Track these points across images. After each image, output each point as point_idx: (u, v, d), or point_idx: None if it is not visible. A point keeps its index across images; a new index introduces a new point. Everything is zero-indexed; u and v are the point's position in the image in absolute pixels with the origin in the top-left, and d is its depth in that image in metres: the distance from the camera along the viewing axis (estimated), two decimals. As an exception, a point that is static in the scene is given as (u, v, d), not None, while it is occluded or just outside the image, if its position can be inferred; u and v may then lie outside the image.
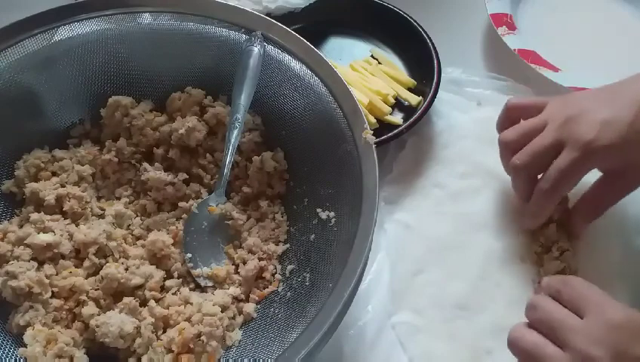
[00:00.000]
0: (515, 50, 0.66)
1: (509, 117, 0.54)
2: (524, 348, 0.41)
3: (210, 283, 0.50)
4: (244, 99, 0.52)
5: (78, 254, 0.49)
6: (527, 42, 0.67)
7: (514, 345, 0.42)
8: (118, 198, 0.54)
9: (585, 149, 0.47)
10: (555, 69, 0.65)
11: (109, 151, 0.54)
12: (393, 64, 0.68)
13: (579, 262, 0.53)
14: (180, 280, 0.50)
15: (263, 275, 0.51)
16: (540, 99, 0.53)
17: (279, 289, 0.50)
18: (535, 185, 0.50)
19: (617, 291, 0.51)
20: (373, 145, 0.46)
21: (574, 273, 0.52)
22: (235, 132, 0.52)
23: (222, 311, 0.46)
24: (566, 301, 0.42)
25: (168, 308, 0.47)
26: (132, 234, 0.51)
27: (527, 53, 0.66)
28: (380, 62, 0.67)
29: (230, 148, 0.52)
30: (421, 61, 0.65)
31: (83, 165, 0.53)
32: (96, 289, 0.47)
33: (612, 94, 0.49)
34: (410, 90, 0.65)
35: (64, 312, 0.46)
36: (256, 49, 0.53)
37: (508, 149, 0.52)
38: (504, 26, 0.69)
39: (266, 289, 0.50)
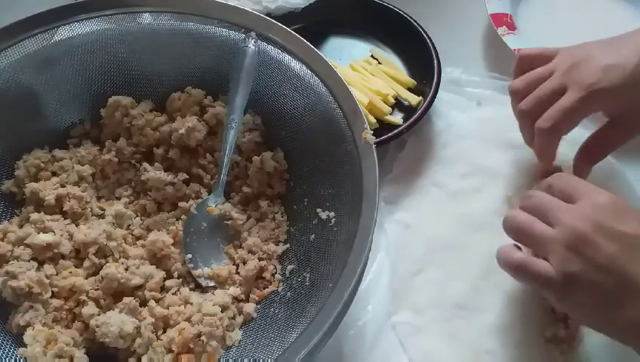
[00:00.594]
0: (514, 50, 0.66)
1: (520, 67, 0.55)
2: (516, 225, 0.44)
3: (211, 283, 0.50)
4: (240, 99, 0.52)
5: (78, 254, 0.49)
6: (527, 42, 0.67)
7: (507, 223, 0.45)
8: (118, 198, 0.54)
9: (587, 90, 0.48)
10: (555, 69, 0.65)
11: (109, 151, 0.54)
12: (393, 64, 0.68)
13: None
14: (180, 280, 0.50)
15: (263, 275, 0.51)
16: (550, 48, 0.55)
17: (279, 289, 0.50)
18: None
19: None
20: (373, 145, 0.46)
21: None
22: (232, 132, 0.52)
23: (222, 311, 0.46)
24: (558, 191, 0.44)
25: (168, 308, 0.47)
26: (132, 234, 0.51)
27: (527, 53, 0.66)
28: (380, 62, 0.68)
29: (228, 148, 0.52)
30: (421, 61, 0.65)
31: (83, 165, 0.53)
32: (96, 289, 0.47)
33: (617, 42, 0.51)
34: (410, 90, 0.65)
35: (64, 312, 0.46)
36: (251, 49, 0.53)
37: (516, 97, 0.53)
38: (504, 26, 0.69)
39: (266, 289, 0.50)
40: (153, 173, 0.53)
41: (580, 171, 0.54)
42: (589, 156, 0.54)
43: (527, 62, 0.55)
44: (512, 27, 0.69)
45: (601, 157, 0.54)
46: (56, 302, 0.46)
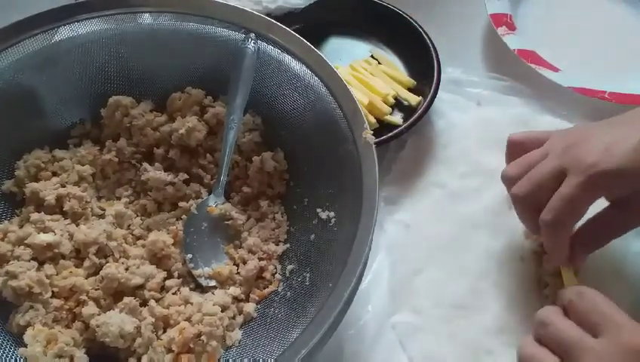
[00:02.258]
0: (514, 50, 0.66)
1: (511, 153, 0.52)
2: (524, 355, 0.40)
3: (211, 283, 0.50)
4: (240, 99, 0.52)
5: (79, 254, 0.49)
6: (527, 42, 0.67)
7: (521, 358, 0.41)
8: (119, 198, 0.54)
9: (587, 173, 0.43)
10: (555, 69, 0.65)
11: (109, 151, 0.54)
12: (393, 64, 0.68)
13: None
14: (180, 280, 0.50)
15: (263, 275, 0.51)
16: (542, 132, 0.51)
17: (279, 289, 0.50)
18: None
19: (617, 292, 0.51)
20: (373, 145, 0.47)
21: (576, 273, 0.52)
22: (232, 133, 0.52)
23: (222, 311, 0.46)
24: (580, 314, 0.40)
25: (168, 308, 0.47)
26: (132, 234, 0.51)
27: (526, 53, 0.66)
28: (380, 62, 0.68)
29: (227, 148, 0.52)
30: (421, 61, 0.65)
31: (83, 165, 0.53)
32: (96, 289, 0.47)
33: (617, 121, 0.46)
34: (410, 90, 0.65)
35: (64, 312, 0.46)
36: (250, 49, 0.53)
37: (510, 184, 0.49)
38: (504, 26, 0.69)
39: (266, 289, 0.50)
40: (153, 173, 0.53)
41: (576, 259, 0.48)
42: (587, 243, 0.48)
43: (518, 147, 0.50)
44: (511, 27, 0.69)
45: (600, 245, 0.48)
46: (56, 302, 0.46)
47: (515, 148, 0.51)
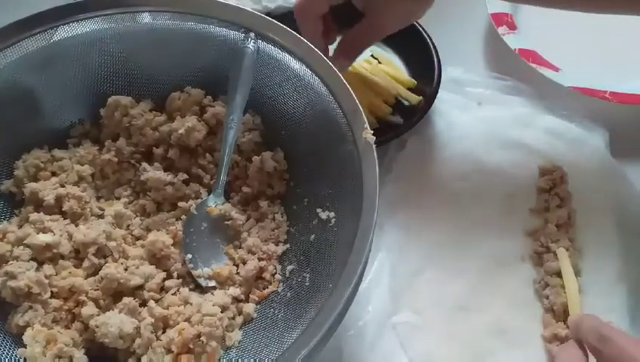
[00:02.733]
0: (515, 49, 0.66)
1: None
2: None
3: (211, 283, 0.50)
4: (239, 99, 0.52)
5: (78, 254, 0.49)
6: (528, 42, 0.67)
7: None
8: (118, 198, 0.53)
9: None
10: (556, 69, 0.65)
11: (108, 151, 0.54)
12: (393, 64, 0.68)
13: (578, 264, 0.53)
14: (180, 280, 0.50)
15: (263, 275, 0.50)
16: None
17: (279, 290, 0.50)
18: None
19: (618, 293, 0.52)
20: (373, 145, 0.46)
21: (577, 273, 0.52)
22: (232, 133, 0.52)
23: (222, 312, 0.46)
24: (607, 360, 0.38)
25: (168, 309, 0.46)
26: (132, 235, 0.51)
27: (527, 52, 0.66)
28: (380, 62, 0.67)
29: (227, 149, 0.51)
30: (421, 61, 0.65)
31: (82, 165, 0.53)
32: (95, 290, 0.47)
33: None
34: (410, 89, 0.65)
35: (64, 312, 0.46)
36: (250, 49, 0.53)
37: None
38: (504, 26, 0.69)
39: (266, 290, 0.50)
40: (153, 173, 0.53)
41: (342, 67, 0.56)
42: (346, 52, 0.57)
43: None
44: (512, 27, 0.69)
45: (357, 53, 0.57)
46: (55, 303, 0.46)
47: None
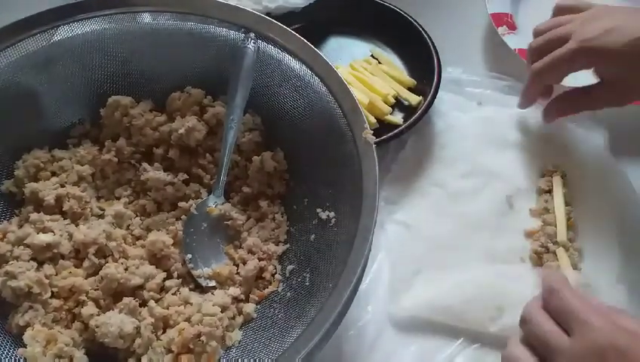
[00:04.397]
0: (515, 49, 0.66)
1: (556, 16, 0.57)
2: (505, 357, 0.41)
3: (211, 283, 0.50)
4: (239, 99, 0.52)
5: (78, 254, 0.49)
6: (528, 42, 0.67)
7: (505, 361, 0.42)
8: (118, 198, 0.54)
9: (580, 44, 0.50)
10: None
11: (108, 151, 0.54)
12: (393, 64, 0.68)
13: (578, 263, 0.53)
14: (180, 280, 0.50)
15: (263, 275, 0.51)
16: (586, 1, 0.56)
17: (279, 290, 0.50)
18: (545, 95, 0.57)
19: (618, 293, 0.51)
20: (373, 145, 0.46)
21: (577, 271, 0.52)
22: (232, 133, 0.52)
23: (222, 312, 0.46)
24: (553, 313, 0.40)
25: (168, 309, 0.46)
26: (132, 234, 0.51)
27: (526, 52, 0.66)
28: (380, 62, 0.67)
29: (227, 149, 0.51)
30: (421, 61, 0.65)
31: (82, 165, 0.53)
32: (95, 290, 0.47)
33: (636, 12, 0.52)
34: (410, 89, 0.65)
35: (64, 312, 0.46)
36: (250, 49, 0.53)
37: (533, 55, 0.56)
38: (504, 26, 0.69)
39: (266, 290, 0.50)
40: (153, 173, 0.53)
41: (549, 114, 0.57)
42: (564, 105, 0.56)
43: (563, 12, 0.56)
44: (512, 27, 0.69)
45: (575, 111, 0.56)
46: (55, 302, 0.46)
47: (560, 13, 0.57)
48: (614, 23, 0.50)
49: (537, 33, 0.57)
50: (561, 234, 0.54)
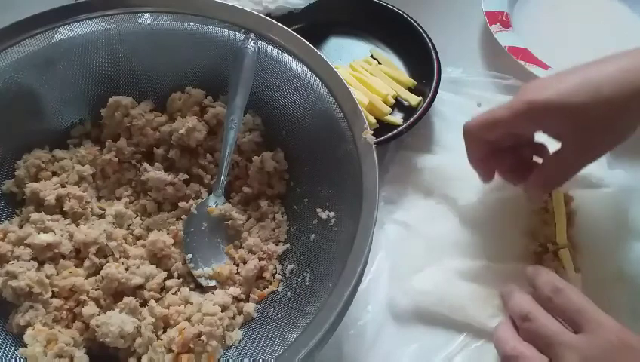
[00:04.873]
0: (505, 47, 0.66)
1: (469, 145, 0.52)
2: (511, 355, 0.41)
3: (211, 283, 0.50)
4: (240, 99, 0.52)
5: (79, 254, 0.49)
6: (522, 40, 0.68)
7: (501, 347, 0.42)
8: (119, 198, 0.54)
9: (519, 100, 0.45)
10: (545, 67, 0.65)
11: (109, 151, 0.54)
12: (393, 64, 0.68)
13: (577, 263, 0.53)
14: (180, 280, 0.50)
15: (263, 275, 0.51)
16: (495, 112, 0.49)
17: (279, 289, 0.50)
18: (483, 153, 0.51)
19: (617, 293, 0.52)
20: (373, 145, 0.47)
21: (577, 270, 0.52)
22: (232, 133, 0.52)
23: (222, 311, 0.46)
24: (559, 311, 0.41)
25: (168, 308, 0.47)
26: (132, 234, 0.51)
27: (518, 50, 0.66)
28: (379, 62, 0.68)
29: (228, 149, 0.52)
30: (421, 61, 0.65)
31: (83, 165, 0.53)
32: (96, 289, 0.47)
33: (567, 70, 0.48)
34: (410, 90, 0.65)
35: (64, 312, 0.46)
36: (250, 49, 0.53)
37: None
38: (498, 24, 0.69)
39: (266, 289, 0.50)
40: (153, 173, 0.53)
41: (535, 198, 0.52)
42: (543, 183, 0.50)
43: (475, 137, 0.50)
44: (506, 25, 0.69)
45: (554, 185, 0.51)
46: (56, 302, 0.46)
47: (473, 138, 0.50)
48: (547, 82, 0.46)
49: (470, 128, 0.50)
50: (561, 235, 0.54)
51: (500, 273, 0.53)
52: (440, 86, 0.62)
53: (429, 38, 0.66)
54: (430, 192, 0.59)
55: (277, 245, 0.52)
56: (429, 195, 0.59)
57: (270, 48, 0.54)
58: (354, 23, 0.71)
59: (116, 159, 0.54)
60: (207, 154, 0.55)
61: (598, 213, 0.56)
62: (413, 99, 0.63)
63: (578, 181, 0.58)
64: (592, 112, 0.44)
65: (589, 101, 0.43)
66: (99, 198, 0.54)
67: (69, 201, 0.50)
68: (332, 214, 0.49)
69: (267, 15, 0.55)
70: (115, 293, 0.47)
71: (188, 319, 0.46)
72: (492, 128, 0.47)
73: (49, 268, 0.47)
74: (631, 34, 0.72)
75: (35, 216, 0.49)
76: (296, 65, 0.53)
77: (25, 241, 0.47)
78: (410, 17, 0.68)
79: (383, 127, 0.61)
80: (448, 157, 0.61)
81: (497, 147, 0.50)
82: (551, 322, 0.41)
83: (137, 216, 0.53)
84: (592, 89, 0.43)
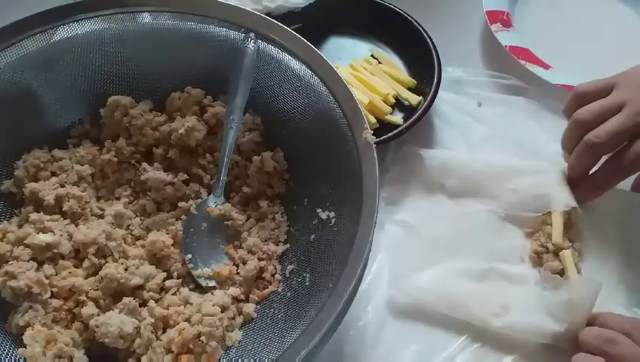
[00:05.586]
0: (506, 46, 0.66)
1: (579, 103, 0.53)
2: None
3: (211, 283, 0.50)
4: (239, 99, 0.52)
5: (78, 254, 0.49)
6: (523, 40, 0.68)
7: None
8: (118, 198, 0.53)
9: None
10: (546, 67, 0.65)
11: (108, 151, 0.54)
12: (393, 64, 0.68)
13: (578, 265, 0.53)
14: (180, 280, 0.50)
15: (263, 275, 0.51)
16: (606, 80, 0.53)
17: (279, 290, 0.50)
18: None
19: (618, 293, 0.51)
20: (374, 145, 0.46)
21: (579, 271, 0.52)
22: (232, 132, 0.52)
23: (222, 312, 0.46)
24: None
25: (168, 309, 0.46)
26: (132, 235, 0.51)
27: (519, 50, 0.66)
28: (380, 62, 0.67)
29: (227, 149, 0.51)
30: (421, 60, 0.65)
31: (82, 165, 0.53)
32: (95, 290, 0.47)
33: None
34: (410, 89, 0.65)
35: (64, 312, 0.46)
36: (250, 49, 0.53)
37: (582, 128, 0.51)
38: (498, 23, 0.69)
39: (266, 290, 0.50)
40: (153, 173, 0.53)
41: (584, 200, 0.53)
42: (601, 183, 0.52)
43: (586, 98, 0.53)
44: (507, 24, 0.69)
45: (613, 184, 0.52)
46: (55, 303, 0.46)
47: (583, 99, 0.52)
48: None
49: (584, 124, 0.51)
50: (557, 235, 0.54)
51: (500, 273, 0.53)
52: (440, 85, 0.62)
53: (430, 38, 0.66)
54: (430, 192, 0.59)
55: (277, 245, 0.52)
56: (428, 195, 0.58)
57: (270, 48, 0.54)
58: (354, 23, 0.71)
59: (115, 159, 0.54)
60: (207, 154, 0.55)
61: (597, 213, 0.56)
62: (414, 99, 0.63)
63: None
64: None
65: None
66: (98, 198, 0.53)
67: (69, 201, 0.50)
68: (332, 214, 0.49)
69: (267, 14, 0.54)
70: (115, 294, 0.47)
71: (187, 319, 0.46)
72: (618, 140, 0.49)
73: (48, 269, 0.47)
74: (632, 34, 0.72)
75: (34, 216, 0.49)
76: (296, 65, 0.52)
77: (24, 241, 0.47)
78: (410, 17, 0.68)
79: (383, 126, 0.61)
80: (448, 158, 0.61)
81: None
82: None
83: (137, 216, 0.53)
84: None
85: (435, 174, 0.59)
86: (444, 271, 0.53)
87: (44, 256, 0.47)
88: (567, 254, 0.52)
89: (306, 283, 0.48)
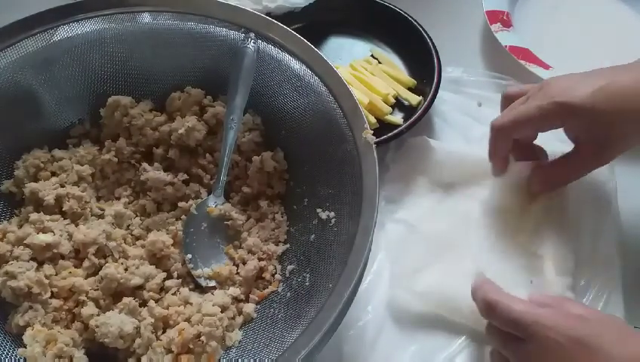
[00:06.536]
0: (506, 46, 0.66)
1: (506, 104, 0.54)
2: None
3: (211, 283, 0.50)
4: (239, 99, 0.52)
5: (78, 254, 0.49)
6: (523, 40, 0.68)
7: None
8: (118, 198, 0.53)
9: (547, 100, 0.47)
10: (546, 67, 0.65)
11: (108, 151, 0.54)
12: (393, 63, 0.68)
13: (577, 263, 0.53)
14: (180, 280, 0.50)
15: (263, 275, 0.51)
16: (531, 85, 0.54)
17: (279, 290, 0.50)
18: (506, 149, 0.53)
19: (617, 293, 0.51)
20: (374, 145, 0.46)
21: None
22: (232, 133, 0.52)
23: (222, 312, 0.46)
24: (502, 327, 0.43)
25: (168, 309, 0.46)
26: (132, 235, 0.51)
27: (519, 50, 0.66)
28: (380, 62, 0.67)
29: (227, 149, 0.51)
30: (421, 60, 0.65)
31: (82, 165, 0.53)
32: (95, 290, 0.47)
33: (591, 72, 0.50)
34: (410, 89, 0.65)
35: (64, 312, 0.46)
36: (250, 49, 0.53)
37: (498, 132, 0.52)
38: (498, 23, 0.69)
39: (266, 290, 0.50)
40: (153, 173, 0.53)
41: (535, 190, 0.53)
42: (546, 181, 0.52)
43: (509, 100, 0.53)
44: (507, 24, 0.69)
45: (558, 185, 0.53)
46: (55, 303, 0.46)
47: (507, 101, 0.53)
48: (574, 79, 0.48)
49: (506, 101, 0.53)
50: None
51: (500, 273, 0.53)
52: (440, 85, 0.62)
53: (430, 38, 0.66)
54: (430, 192, 0.59)
55: (277, 245, 0.52)
56: (429, 195, 0.58)
57: (270, 47, 0.54)
58: (354, 23, 0.71)
59: (115, 159, 0.54)
60: (207, 154, 0.55)
61: (597, 212, 0.56)
62: (414, 99, 0.63)
63: (578, 180, 0.58)
64: (617, 122, 0.46)
65: (615, 110, 0.46)
66: (98, 198, 0.53)
67: (69, 201, 0.50)
68: (332, 214, 0.49)
69: (267, 14, 0.54)
70: (115, 294, 0.47)
71: (187, 319, 0.46)
72: (523, 126, 0.50)
73: (48, 269, 0.47)
74: (632, 33, 0.72)
75: (34, 216, 0.49)
76: (296, 65, 0.52)
77: (24, 241, 0.47)
78: (410, 17, 0.68)
79: (383, 126, 0.61)
80: (448, 158, 0.60)
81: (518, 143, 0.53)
82: (500, 341, 0.44)
83: (137, 216, 0.53)
84: (618, 98, 0.46)
85: (437, 171, 0.59)
86: (444, 270, 0.53)
87: (44, 256, 0.47)
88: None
89: (306, 283, 0.48)
